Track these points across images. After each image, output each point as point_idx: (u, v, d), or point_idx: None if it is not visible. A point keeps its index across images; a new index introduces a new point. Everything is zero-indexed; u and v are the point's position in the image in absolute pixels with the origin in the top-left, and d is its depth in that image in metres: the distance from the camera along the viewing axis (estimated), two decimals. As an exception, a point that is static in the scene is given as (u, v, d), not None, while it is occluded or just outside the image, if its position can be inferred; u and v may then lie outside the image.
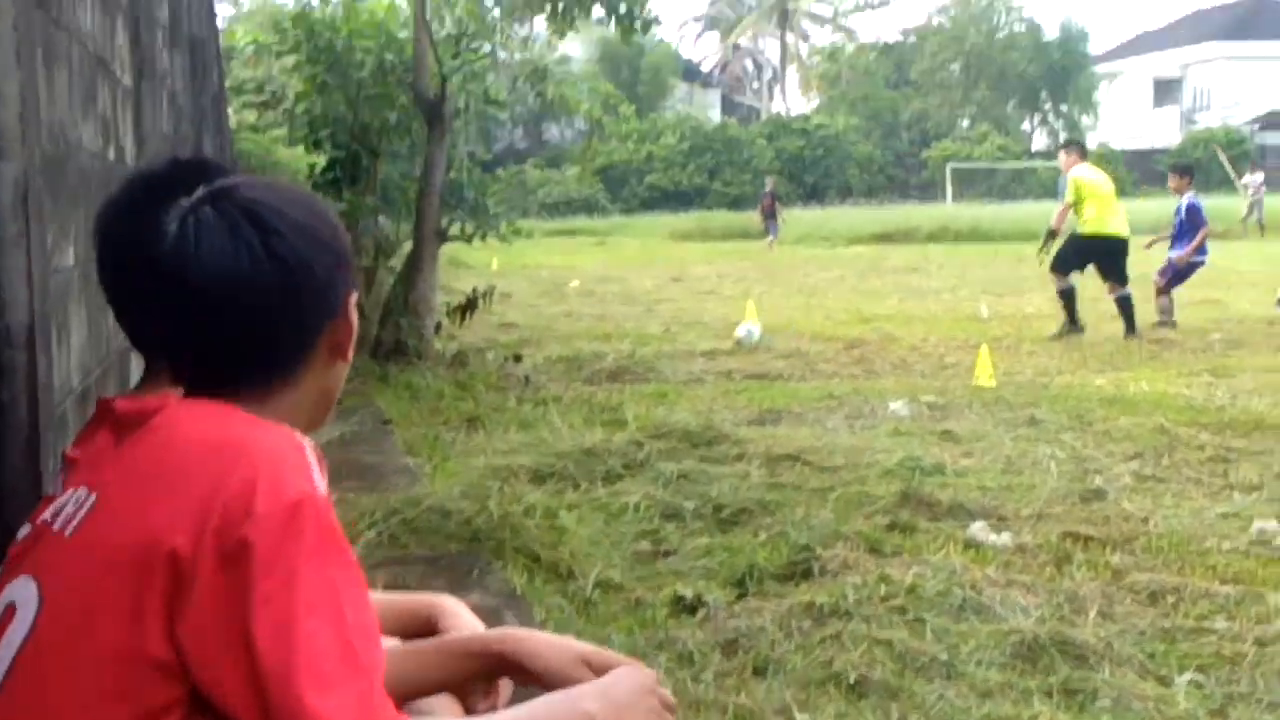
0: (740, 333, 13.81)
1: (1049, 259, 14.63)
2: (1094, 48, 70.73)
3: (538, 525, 5.90)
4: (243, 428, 1.57)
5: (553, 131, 64.27)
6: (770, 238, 36.14)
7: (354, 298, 1.75)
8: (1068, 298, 14.31)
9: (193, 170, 1.69)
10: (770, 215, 37.03)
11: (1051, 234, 14.81)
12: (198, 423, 1.58)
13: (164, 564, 1.44)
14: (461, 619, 2.07)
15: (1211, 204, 35.14)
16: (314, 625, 1.43)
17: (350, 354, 1.76)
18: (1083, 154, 15.37)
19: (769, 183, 40.33)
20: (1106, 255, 14.41)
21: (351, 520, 5.55)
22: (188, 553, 1.44)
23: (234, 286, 1.59)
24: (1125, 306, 14.23)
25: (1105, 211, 14.50)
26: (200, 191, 1.64)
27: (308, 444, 1.59)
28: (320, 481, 1.54)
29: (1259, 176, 37.86)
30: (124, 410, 1.65)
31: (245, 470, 1.48)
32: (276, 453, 1.52)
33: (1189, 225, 15.59)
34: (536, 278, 24.59)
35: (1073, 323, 14.22)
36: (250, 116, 15.91)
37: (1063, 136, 67.18)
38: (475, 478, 6.90)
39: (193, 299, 1.60)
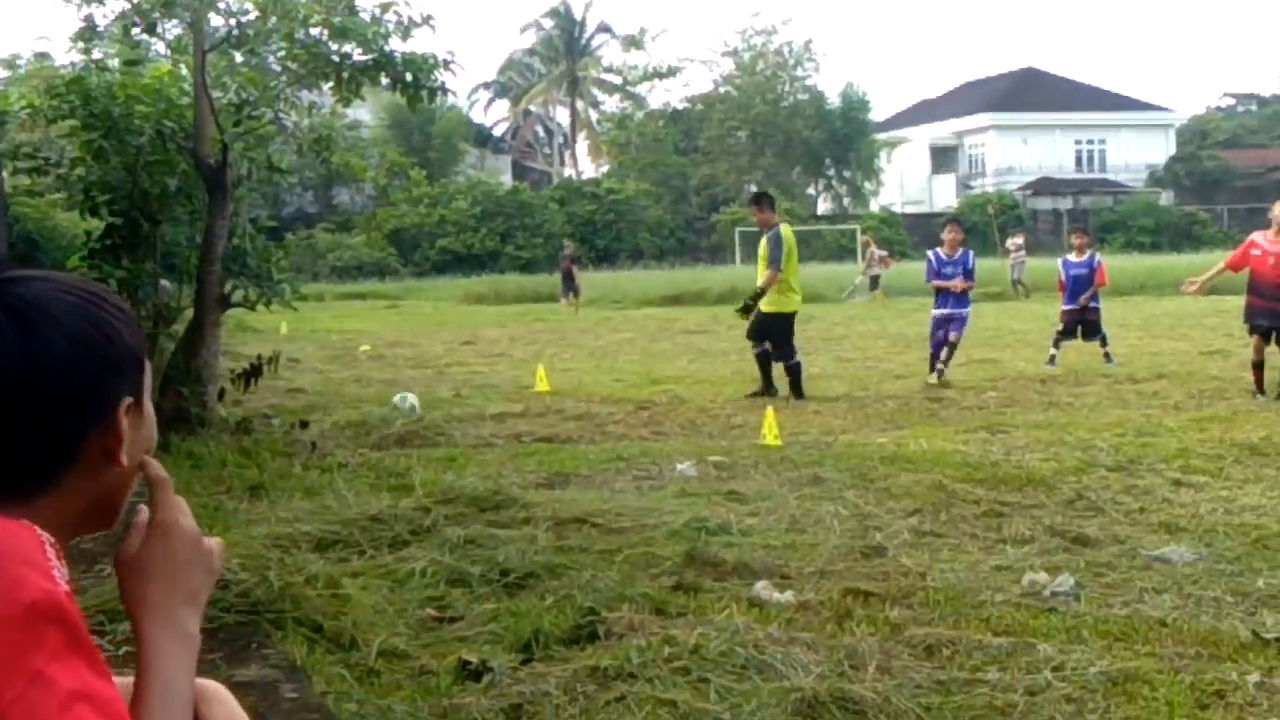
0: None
1: (750, 320, 14.66)
2: (876, 115, 72.93)
3: (320, 594, 5.79)
4: None
5: (343, 196, 63.72)
6: (567, 299, 36.45)
7: (126, 404, 1.65)
8: (765, 360, 14.56)
9: None
10: (568, 277, 37.27)
11: (761, 294, 14.53)
12: None
13: None
14: (227, 707, 2.00)
15: (986, 266, 36.60)
16: None
17: (126, 460, 1.65)
18: (773, 208, 15.20)
19: (568, 246, 40.63)
20: (781, 331, 14.48)
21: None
22: None
23: None
24: (795, 373, 14.37)
25: (790, 284, 14.51)
26: None
27: (47, 539, 1.51)
28: (61, 578, 1.48)
29: (1019, 240, 39.55)
30: None
31: None
32: (11, 551, 1.45)
33: (969, 276, 16.02)
34: (326, 342, 24.32)
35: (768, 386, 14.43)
36: (26, 181, 15.41)
37: (846, 202, 68.99)
38: (257, 547, 6.73)
39: None
